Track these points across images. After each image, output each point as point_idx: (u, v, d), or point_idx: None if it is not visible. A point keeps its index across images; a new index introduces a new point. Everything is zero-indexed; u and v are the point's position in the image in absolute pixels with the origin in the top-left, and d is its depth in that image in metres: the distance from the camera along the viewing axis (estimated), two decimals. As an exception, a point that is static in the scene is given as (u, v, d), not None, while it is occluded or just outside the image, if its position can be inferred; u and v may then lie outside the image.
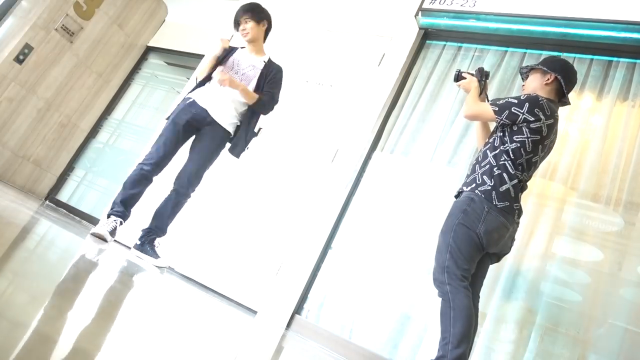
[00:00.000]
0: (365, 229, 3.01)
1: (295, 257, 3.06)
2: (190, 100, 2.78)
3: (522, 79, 2.25)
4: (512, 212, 1.93)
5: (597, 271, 2.46)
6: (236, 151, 2.90)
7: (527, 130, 1.94)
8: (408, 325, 2.66)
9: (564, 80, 2.06)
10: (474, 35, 3.29)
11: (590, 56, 2.94)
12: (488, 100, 2.24)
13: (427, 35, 3.47)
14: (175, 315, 1.69)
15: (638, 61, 2.83)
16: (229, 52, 2.88)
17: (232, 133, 2.88)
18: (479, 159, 2.06)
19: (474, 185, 1.98)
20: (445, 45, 3.43)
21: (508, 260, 2.52)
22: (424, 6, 3.35)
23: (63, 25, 4.48)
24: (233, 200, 3.46)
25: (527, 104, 1.95)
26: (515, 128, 1.97)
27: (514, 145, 1.95)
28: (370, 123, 3.29)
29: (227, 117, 2.82)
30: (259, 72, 2.88)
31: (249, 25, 2.88)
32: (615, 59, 2.88)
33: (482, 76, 2.24)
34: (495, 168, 1.95)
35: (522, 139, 1.95)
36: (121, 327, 1.07)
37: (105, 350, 0.84)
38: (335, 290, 2.92)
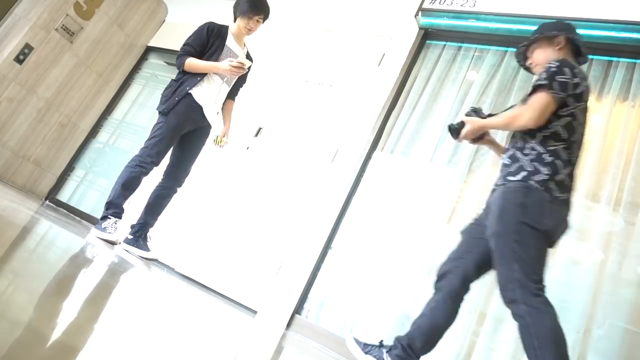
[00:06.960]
0: (365, 229, 3.01)
1: (295, 257, 3.05)
2: (196, 104, 2.75)
3: (522, 64, 1.99)
4: (570, 205, 1.64)
5: (597, 271, 2.46)
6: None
7: (572, 100, 1.63)
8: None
9: (575, 37, 1.82)
10: (474, 35, 3.29)
11: (590, 56, 2.94)
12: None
13: (427, 35, 3.47)
14: (176, 315, 1.69)
15: (638, 61, 2.83)
16: (223, 35, 2.85)
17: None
18: (519, 146, 1.72)
19: (525, 173, 1.62)
20: (445, 45, 3.43)
21: (508, 260, 2.51)
22: (424, 6, 3.35)
23: (63, 25, 4.48)
24: (233, 200, 3.46)
25: (566, 69, 1.64)
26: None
27: (562, 122, 1.63)
28: (370, 123, 3.29)
29: (215, 116, 2.94)
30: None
31: (258, 26, 2.86)
32: (615, 59, 2.88)
33: (478, 113, 1.90)
34: (546, 155, 1.63)
35: (571, 110, 1.63)
36: (121, 327, 1.07)
37: (106, 350, 0.84)
38: (335, 290, 2.92)
